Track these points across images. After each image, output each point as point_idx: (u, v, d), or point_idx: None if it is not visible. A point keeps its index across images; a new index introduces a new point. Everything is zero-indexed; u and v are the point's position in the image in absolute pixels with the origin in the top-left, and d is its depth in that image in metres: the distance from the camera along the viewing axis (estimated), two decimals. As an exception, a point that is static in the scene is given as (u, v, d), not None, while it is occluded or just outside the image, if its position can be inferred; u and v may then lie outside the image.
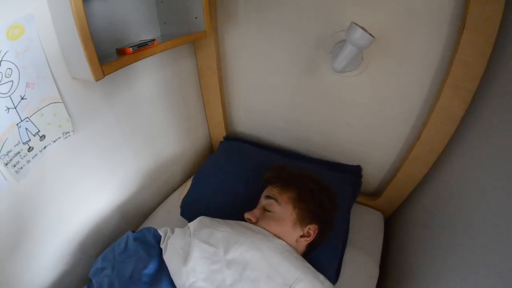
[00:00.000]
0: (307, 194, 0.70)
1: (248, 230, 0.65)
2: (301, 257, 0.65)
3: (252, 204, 0.84)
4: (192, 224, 0.68)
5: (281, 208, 0.69)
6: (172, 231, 0.70)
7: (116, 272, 0.62)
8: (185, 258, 0.61)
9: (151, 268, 0.63)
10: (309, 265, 0.63)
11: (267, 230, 0.66)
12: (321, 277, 0.61)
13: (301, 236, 0.68)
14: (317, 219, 0.69)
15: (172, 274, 0.62)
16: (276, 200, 0.70)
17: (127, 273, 0.61)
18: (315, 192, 0.71)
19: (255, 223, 0.69)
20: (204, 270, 0.58)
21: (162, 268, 0.64)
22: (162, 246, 0.67)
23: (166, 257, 0.64)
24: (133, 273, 0.61)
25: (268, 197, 0.72)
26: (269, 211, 0.70)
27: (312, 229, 0.68)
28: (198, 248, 0.60)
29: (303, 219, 0.68)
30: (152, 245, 0.68)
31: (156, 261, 0.64)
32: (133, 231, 0.72)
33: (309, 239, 0.68)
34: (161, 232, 0.70)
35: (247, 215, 0.71)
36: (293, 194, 0.70)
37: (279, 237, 0.66)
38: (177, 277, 0.61)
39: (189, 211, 0.89)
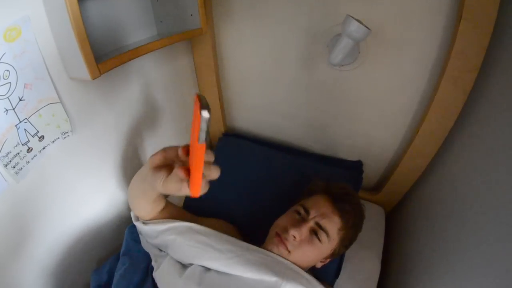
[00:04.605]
0: (354, 235, 0.69)
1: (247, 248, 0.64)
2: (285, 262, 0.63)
3: (255, 200, 0.84)
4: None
5: (328, 243, 0.64)
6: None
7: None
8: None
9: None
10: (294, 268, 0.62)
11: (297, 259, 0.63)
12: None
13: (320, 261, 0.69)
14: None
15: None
16: (327, 235, 0.63)
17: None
18: (358, 232, 0.70)
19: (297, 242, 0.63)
20: None
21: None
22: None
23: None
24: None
25: (321, 227, 0.65)
26: (317, 237, 0.63)
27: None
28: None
29: (335, 255, 0.69)
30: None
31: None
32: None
33: (323, 264, 0.69)
34: (154, 264, 0.68)
35: (293, 232, 0.61)
36: (347, 235, 0.66)
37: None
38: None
39: (192, 211, 0.89)
